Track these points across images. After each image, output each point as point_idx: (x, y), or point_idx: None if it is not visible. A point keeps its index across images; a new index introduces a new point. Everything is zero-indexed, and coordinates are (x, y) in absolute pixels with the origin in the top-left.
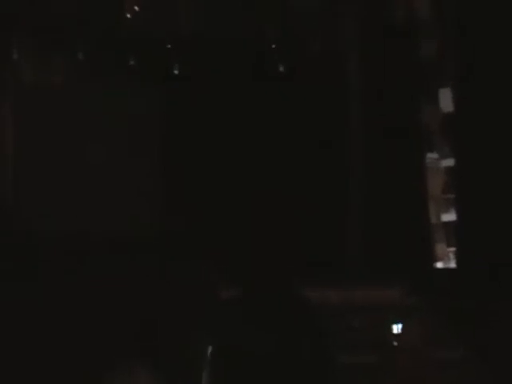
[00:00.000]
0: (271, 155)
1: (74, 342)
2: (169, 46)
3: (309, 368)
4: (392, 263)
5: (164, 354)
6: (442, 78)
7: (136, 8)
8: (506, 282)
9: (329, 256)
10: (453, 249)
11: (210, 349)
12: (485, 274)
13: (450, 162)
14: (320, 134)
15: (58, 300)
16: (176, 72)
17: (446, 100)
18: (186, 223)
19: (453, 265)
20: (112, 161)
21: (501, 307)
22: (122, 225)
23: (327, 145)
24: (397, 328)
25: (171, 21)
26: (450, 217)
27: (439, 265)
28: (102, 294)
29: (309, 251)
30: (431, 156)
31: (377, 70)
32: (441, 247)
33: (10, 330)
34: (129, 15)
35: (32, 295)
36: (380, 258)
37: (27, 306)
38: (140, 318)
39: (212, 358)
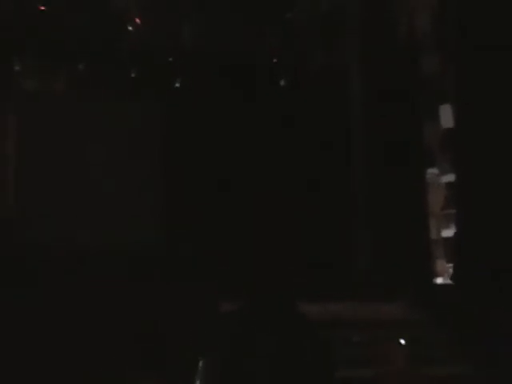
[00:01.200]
0: (273, 171)
1: (72, 353)
2: (170, 59)
3: (308, 378)
4: (393, 279)
5: (166, 364)
6: (442, 94)
7: (138, 21)
8: (506, 296)
9: (331, 271)
10: (452, 264)
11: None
12: (484, 288)
13: (450, 178)
14: (322, 150)
15: (58, 310)
16: (177, 85)
17: (446, 116)
18: (188, 235)
19: (452, 280)
20: (113, 174)
21: (501, 320)
22: (123, 238)
23: (329, 161)
24: (397, 343)
25: (173, 34)
26: (449, 232)
27: (439, 280)
28: (102, 306)
29: (311, 266)
30: (432, 171)
31: (378, 85)
32: (441, 263)
33: (10, 340)
34: (131, 28)
35: (32, 305)
36: (381, 274)
37: (28, 315)
38: (141, 331)
39: (206, 369)
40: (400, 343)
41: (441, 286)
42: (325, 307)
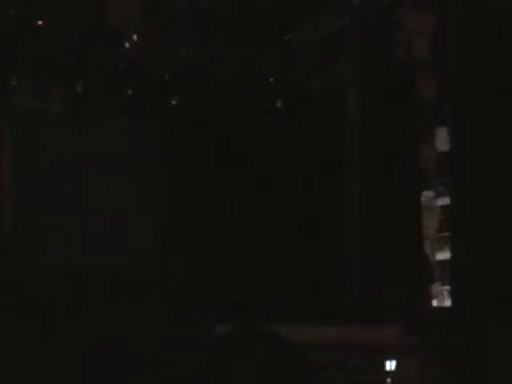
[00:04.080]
0: (269, 191)
1: (70, 377)
2: (167, 77)
3: None
4: (388, 303)
5: None
6: (438, 117)
7: (135, 39)
8: (501, 318)
9: (326, 296)
10: (447, 287)
11: None
12: (480, 312)
13: (445, 201)
14: (317, 173)
15: (56, 336)
16: (174, 103)
17: (441, 139)
18: (185, 259)
19: (447, 303)
20: (110, 196)
21: (497, 343)
22: (121, 263)
23: (323, 185)
24: (391, 367)
25: (170, 53)
26: (444, 255)
27: (434, 303)
28: (100, 332)
29: (306, 290)
30: (427, 194)
31: (374, 108)
32: (435, 286)
33: (7, 365)
34: (128, 45)
35: (30, 331)
36: (376, 298)
37: (25, 341)
38: (140, 356)
39: None
40: (397, 367)
41: (436, 309)
42: (321, 331)
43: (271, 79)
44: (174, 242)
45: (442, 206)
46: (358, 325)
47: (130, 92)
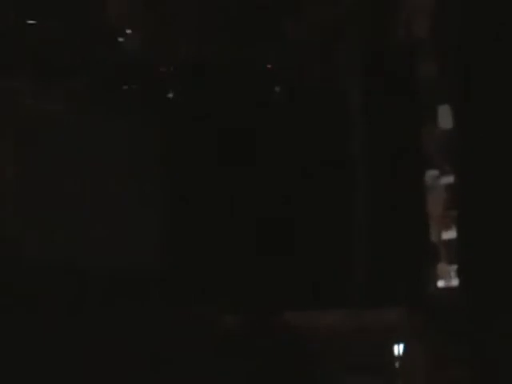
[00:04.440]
0: (272, 179)
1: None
2: (164, 69)
3: None
4: (393, 284)
5: None
6: (441, 94)
7: (128, 31)
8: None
9: (330, 277)
10: (454, 267)
11: None
12: (487, 292)
13: (450, 179)
14: (320, 156)
15: (55, 336)
16: (172, 96)
17: (445, 117)
18: (188, 257)
19: (454, 283)
20: (113, 193)
21: (504, 325)
22: (122, 263)
23: (326, 167)
24: (399, 350)
25: (167, 45)
26: (450, 234)
27: (441, 284)
28: (100, 332)
29: (309, 273)
30: (431, 173)
31: (376, 87)
32: (442, 266)
33: (6, 365)
34: (121, 39)
35: (31, 328)
36: (381, 279)
37: (25, 340)
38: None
39: None
40: (403, 350)
41: (443, 289)
42: (324, 314)
43: (269, 66)
44: (175, 241)
45: (447, 185)
46: (364, 308)
47: (129, 88)
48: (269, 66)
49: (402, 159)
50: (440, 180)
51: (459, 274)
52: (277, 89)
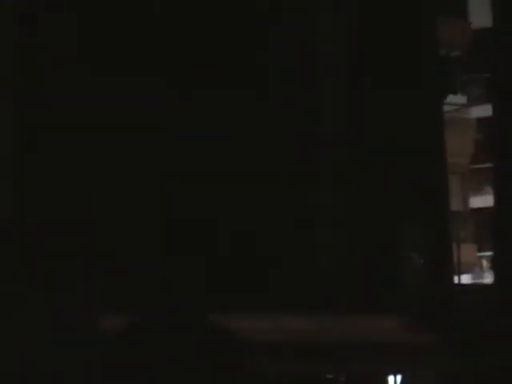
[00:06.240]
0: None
1: None
2: None
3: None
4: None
5: None
6: None
7: None
8: None
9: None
10: (486, 253)
11: None
12: None
13: (483, 111)
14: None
15: None
16: None
17: (477, 11)
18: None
19: (486, 278)
20: None
21: None
22: None
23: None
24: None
25: None
26: (482, 200)
27: (465, 278)
28: None
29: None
30: (454, 101)
31: None
32: (468, 249)
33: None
34: None
35: None
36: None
37: None
38: None
39: None
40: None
41: (468, 287)
42: (318, 319)
43: None
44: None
45: (480, 119)
46: (357, 313)
47: None
48: None
49: (408, 77)
50: (469, 111)
51: (495, 263)
52: None
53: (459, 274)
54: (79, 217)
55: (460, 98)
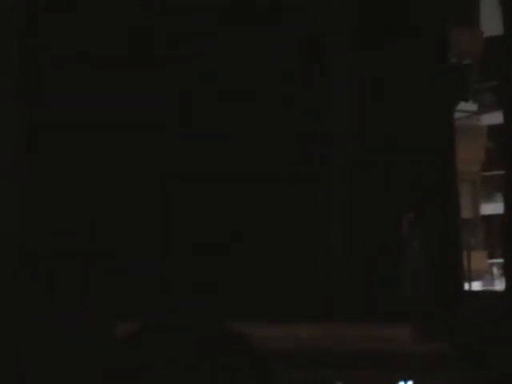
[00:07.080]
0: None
1: None
2: None
3: None
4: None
5: None
6: None
7: None
8: None
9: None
10: (497, 260)
11: None
12: None
13: (494, 118)
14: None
15: None
16: None
17: (489, 19)
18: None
19: (498, 286)
20: None
21: None
22: None
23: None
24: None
25: None
26: (494, 207)
27: (476, 284)
28: None
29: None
30: (465, 108)
31: None
32: (479, 257)
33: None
34: None
35: None
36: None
37: None
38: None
39: None
40: None
41: (479, 294)
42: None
43: None
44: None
45: (491, 127)
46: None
47: None
48: None
49: (415, 82)
50: (480, 118)
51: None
52: None
53: (470, 281)
54: (79, 217)
55: (471, 106)
